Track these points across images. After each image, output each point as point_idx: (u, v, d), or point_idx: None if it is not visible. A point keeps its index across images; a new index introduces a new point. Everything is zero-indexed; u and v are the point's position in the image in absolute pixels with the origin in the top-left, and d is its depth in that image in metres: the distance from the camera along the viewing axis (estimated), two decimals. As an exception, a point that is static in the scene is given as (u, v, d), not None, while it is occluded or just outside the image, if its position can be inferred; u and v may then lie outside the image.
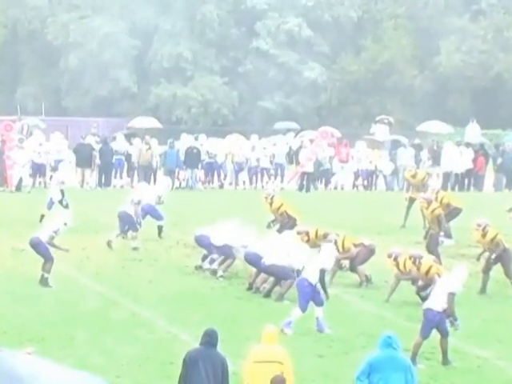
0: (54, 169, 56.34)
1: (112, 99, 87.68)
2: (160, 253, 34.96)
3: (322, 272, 25.06)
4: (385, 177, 60.40)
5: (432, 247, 32.87)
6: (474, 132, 74.65)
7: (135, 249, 32.94)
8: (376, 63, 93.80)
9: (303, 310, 24.00)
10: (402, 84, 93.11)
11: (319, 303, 22.56)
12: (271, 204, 37.62)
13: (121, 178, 57.82)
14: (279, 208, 37.20)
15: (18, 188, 51.63)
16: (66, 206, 37.45)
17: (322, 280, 24.85)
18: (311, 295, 22.51)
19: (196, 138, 60.70)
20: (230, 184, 59.48)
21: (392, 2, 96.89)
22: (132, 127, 71.36)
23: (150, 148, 57.41)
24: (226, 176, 59.77)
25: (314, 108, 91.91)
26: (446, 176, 59.05)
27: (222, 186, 58.76)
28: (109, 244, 33.09)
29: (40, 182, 54.52)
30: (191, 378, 17.29)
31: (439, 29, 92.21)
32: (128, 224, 33.37)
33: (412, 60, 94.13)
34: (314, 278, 24.67)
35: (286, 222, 34.97)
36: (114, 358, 22.07)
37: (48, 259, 28.23)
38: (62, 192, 38.18)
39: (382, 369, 18.05)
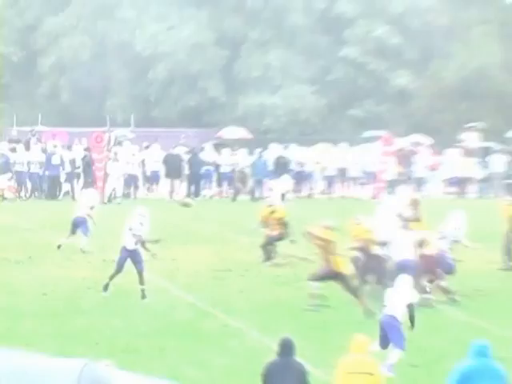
0: (151, 179, 60.08)
1: (200, 109, 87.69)
2: (251, 263, 34.93)
3: (411, 307, 23.34)
4: (476, 183, 60.78)
5: None
6: None
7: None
8: (466, 69, 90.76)
9: (402, 348, 22.36)
10: (493, 90, 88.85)
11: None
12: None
13: (210, 188, 59.89)
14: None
15: (109, 199, 52.96)
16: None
17: (411, 317, 22.90)
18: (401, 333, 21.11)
19: (286, 148, 62.90)
20: (320, 193, 60.51)
21: (482, 7, 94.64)
22: (221, 137, 71.98)
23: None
24: (314, 185, 61.13)
25: (404, 115, 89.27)
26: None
27: (311, 196, 59.98)
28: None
29: (129, 193, 55.95)
30: None
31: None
32: None
33: (503, 65, 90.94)
34: (400, 315, 22.92)
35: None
36: (205, 369, 21.89)
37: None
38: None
39: (474, 378, 17.49)
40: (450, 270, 29.59)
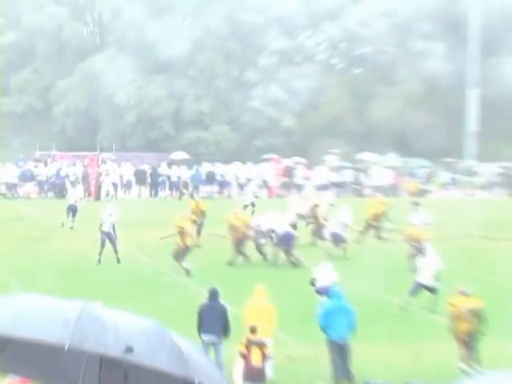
0: (126, 186, 66.30)
1: (158, 140, 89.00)
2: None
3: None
4: (335, 188, 62.08)
5: None
6: None
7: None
8: (324, 115, 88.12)
9: None
10: (342, 129, 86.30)
11: None
12: None
13: (164, 191, 65.68)
14: None
15: (99, 198, 59.16)
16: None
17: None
18: None
19: (213, 165, 69.33)
20: (236, 194, 65.53)
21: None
22: (171, 159, 74.46)
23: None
24: (231, 189, 67.33)
25: (288, 144, 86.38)
26: None
27: (230, 197, 65.19)
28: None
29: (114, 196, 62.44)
30: (203, 322, 20.66)
31: None
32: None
33: (350, 111, 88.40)
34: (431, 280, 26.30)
35: None
36: (160, 309, 24.81)
37: None
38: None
39: (333, 313, 20.94)
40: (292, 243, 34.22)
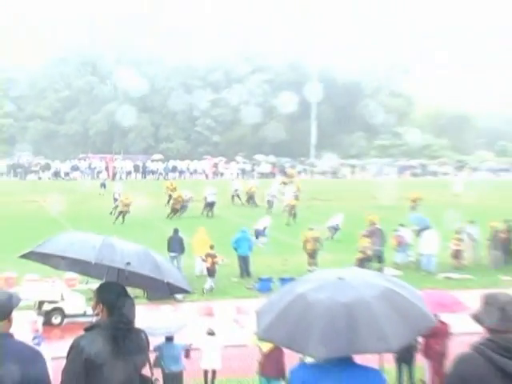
0: (128, 173, 63.84)
1: (148, 150, 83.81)
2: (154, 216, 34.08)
3: None
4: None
5: None
6: None
7: None
8: (236, 130, 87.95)
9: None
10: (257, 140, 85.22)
11: None
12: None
13: (148, 176, 63.41)
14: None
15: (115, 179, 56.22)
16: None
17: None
18: None
19: (175, 161, 67.84)
20: (189, 177, 63.10)
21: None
22: (151, 158, 70.44)
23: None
24: (188, 175, 64.48)
25: (213, 151, 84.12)
26: None
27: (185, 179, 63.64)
28: None
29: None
30: (170, 246, 21.30)
31: None
32: None
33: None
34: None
35: None
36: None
37: None
38: None
39: (239, 240, 22.11)
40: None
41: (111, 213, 33.61)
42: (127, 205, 32.71)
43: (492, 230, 24.12)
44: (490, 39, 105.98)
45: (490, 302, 4.16)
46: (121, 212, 32.50)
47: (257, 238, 26.01)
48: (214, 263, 19.97)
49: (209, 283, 20.07)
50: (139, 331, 5.10)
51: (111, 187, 41.81)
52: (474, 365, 3.99)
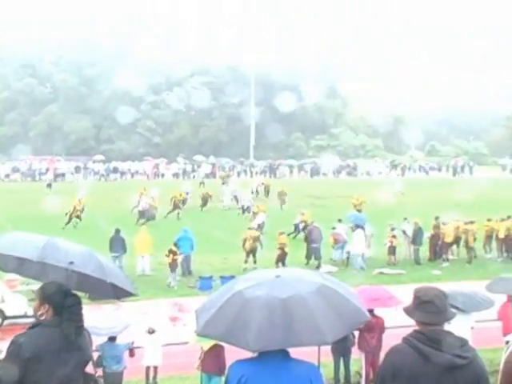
0: (69, 174, 62.57)
1: (84, 150, 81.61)
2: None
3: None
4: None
5: None
6: None
7: None
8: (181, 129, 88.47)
9: None
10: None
11: None
12: None
13: (91, 176, 63.49)
14: None
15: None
16: None
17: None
18: None
19: (122, 162, 67.70)
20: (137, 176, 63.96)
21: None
22: (94, 159, 69.95)
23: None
24: (134, 175, 64.30)
25: (156, 152, 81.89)
26: None
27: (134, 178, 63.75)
28: None
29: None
30: (111, 246, 21.21)
31: None
32: None
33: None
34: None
35: None
36: None
37: None
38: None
39: (181, 239, 22.13)
40: None
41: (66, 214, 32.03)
42: (79, 210, 31.97)
43: (415, 227, 24.77)
44: (426, 40, 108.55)
45: (419, 295, 4.30)
46: (71, 216, 31.42)
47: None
48: (174, 260, 20.61)
49: (169, 279, 20.69)
50: (82, 329, 5.07)
51: (56, 188, 42.68)
52: (404, 356, 4.14)
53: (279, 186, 41.25)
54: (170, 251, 20.78)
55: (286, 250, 22.68)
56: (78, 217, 31.71)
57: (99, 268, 5.64)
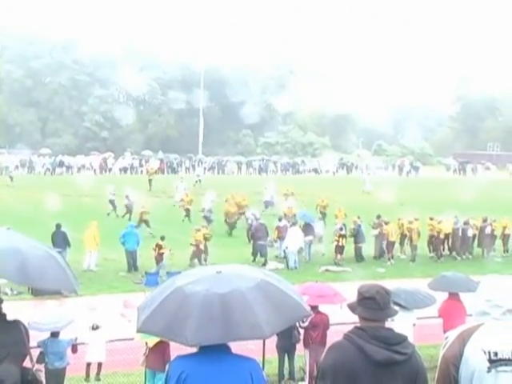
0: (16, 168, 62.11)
1: (32, 143, 76.65)
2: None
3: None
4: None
5: None
6: None
7: None
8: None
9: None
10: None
11: None
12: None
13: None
14: None
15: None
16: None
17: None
18: None
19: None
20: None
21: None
22: (40, 152, 68.87)
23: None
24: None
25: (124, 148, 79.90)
26: None
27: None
28: None
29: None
30: (53, 242, 19.73)
31: None
32: None
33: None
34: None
35: None
36: None
37: None
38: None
39: (126, 235, 22.00)
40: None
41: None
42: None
43: (355, 225, 24.96)
44: (374, 39, 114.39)
45: (362, 292, 4.37)
46: None
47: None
48: (160, 254, 20.82)
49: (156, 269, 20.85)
50: (18, 323, 4.83)
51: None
52: (345, 352, 4.20)
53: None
54: (157, 245, 21.02)
55: (201, 247, 22.67)
56: None
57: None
